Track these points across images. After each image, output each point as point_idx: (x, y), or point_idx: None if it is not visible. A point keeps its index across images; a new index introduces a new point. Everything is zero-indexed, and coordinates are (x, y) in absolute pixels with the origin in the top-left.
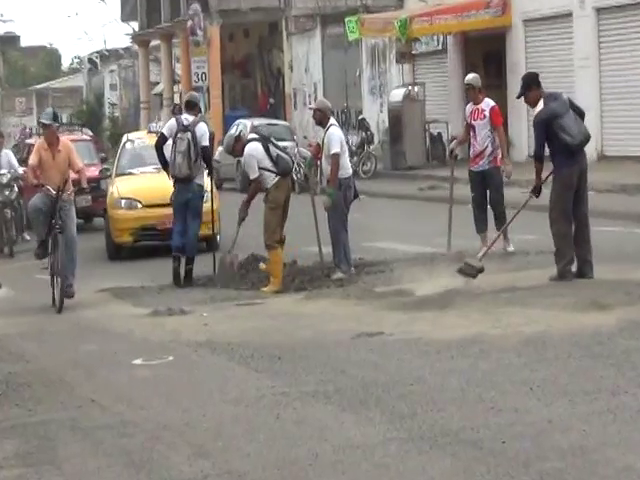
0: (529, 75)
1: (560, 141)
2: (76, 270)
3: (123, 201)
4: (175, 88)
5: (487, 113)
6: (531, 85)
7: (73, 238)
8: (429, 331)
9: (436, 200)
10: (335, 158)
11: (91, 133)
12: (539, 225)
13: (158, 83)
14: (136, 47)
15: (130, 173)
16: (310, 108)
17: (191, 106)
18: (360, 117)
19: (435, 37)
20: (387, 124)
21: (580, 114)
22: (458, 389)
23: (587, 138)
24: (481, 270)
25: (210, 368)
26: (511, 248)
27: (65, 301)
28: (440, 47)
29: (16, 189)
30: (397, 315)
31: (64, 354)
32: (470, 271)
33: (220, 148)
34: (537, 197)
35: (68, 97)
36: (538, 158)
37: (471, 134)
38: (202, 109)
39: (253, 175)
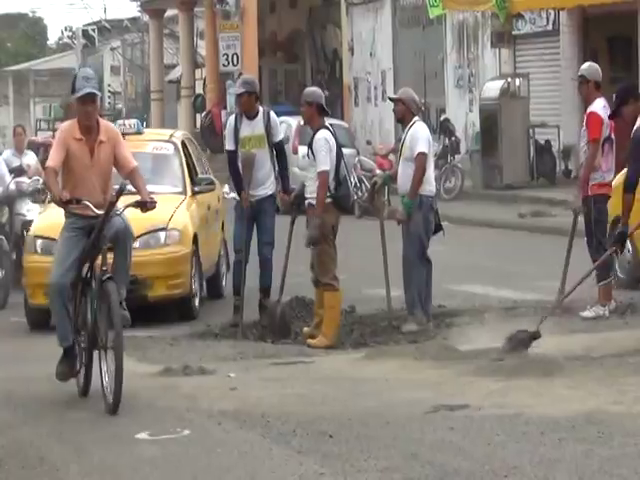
0: (625, 87)
1: None
2: None
3: (39, 242)
4: (197, 73)
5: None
6: (629, 98)
7: (128, 229)
8: (530, 405)
9: (542, 230)
10: (421, 160)
11: None
12: None
13: (175, 66)
14: (146, 18)
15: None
16: (391, 99)
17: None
18: (442, 117)
19: (544, 14)
20: (478, 128)
21: None
22: None
23: None
24: (535, 336)
25: (238, 447)
26: (585, 313)
27: (44, 352)
28: (550, 27)
29: (6, 211)
30: (487, 383)
31: (46, 423)
32: (519, 343)
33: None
34: (621, 252)
35: (55, 82)
36: (628, 187)
37: None
38: (233, 102)
39: (324, 165)
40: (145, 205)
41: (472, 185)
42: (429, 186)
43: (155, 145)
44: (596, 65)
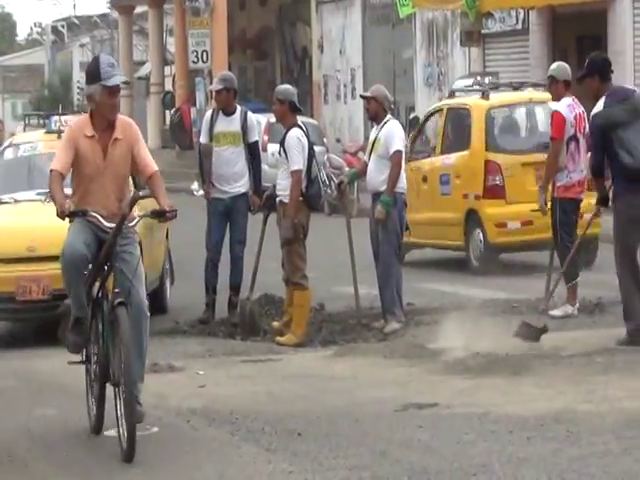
0: (597, 59)
1: (618, 160)
2: None
3: None
4: (166, 70)
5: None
6: (594, 73)
7: (142, 308)
8: (499, 404)
9: None
10: (398, 157)
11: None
12: None
13: (144, 63)
14: (116, 14)
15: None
16: (363, 97)
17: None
18: (412, 115)
19: (514, 13)
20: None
21: None
22: None
23: None
24: (544, 330)
25: (207, 445)
26: (554, 312)
27: (17, 352)
28: (520, 26)
29: None
30: (456, 381)
31: (13, 421)
32: (530, 334)
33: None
34: (606, 207)
35: (24, 78)
36: (595, 173)
37: None
38: (202, 99)
39: (298, 164)
40: (164, 215)
41: None
42: (401, 183)
43: None
44: (565, 64)
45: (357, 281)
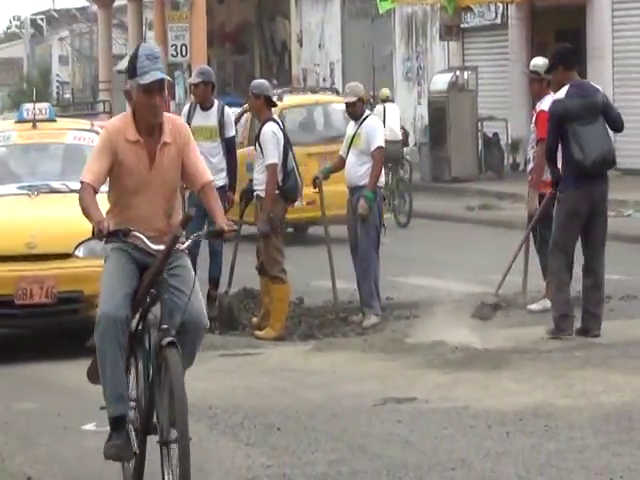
0: (560, 50)
1: (569, 151)
2: None
3: None
4: None
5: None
6: (559, 64)
7: (202, 320)
8: (477, 398)
9: (490, 223)
10: (380, 153)
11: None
12: (628, 261)
13: (124, 56)
14: (95, 8)
15: None
16: (348, 103)
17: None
18: None
19: (493, 7)
20: (427, 120)
21: (613, 125)
22: (514, 477)
23: (607, 161)
24: (498, 306)
25: None
26: (532, 306)
27: None
28: (499, 20)
29: None
30: (435, 375)
31: None
32: (485, 312)
33: None
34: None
35: (3, 72)
36: (549, 157)
37: None
38: (181, 93)
39: (272, 158)
40: (222, 235)
41: (420, 178)
42: (381, 178)
43: (76, 135)
44: (545, 60)
45: (335, 275)
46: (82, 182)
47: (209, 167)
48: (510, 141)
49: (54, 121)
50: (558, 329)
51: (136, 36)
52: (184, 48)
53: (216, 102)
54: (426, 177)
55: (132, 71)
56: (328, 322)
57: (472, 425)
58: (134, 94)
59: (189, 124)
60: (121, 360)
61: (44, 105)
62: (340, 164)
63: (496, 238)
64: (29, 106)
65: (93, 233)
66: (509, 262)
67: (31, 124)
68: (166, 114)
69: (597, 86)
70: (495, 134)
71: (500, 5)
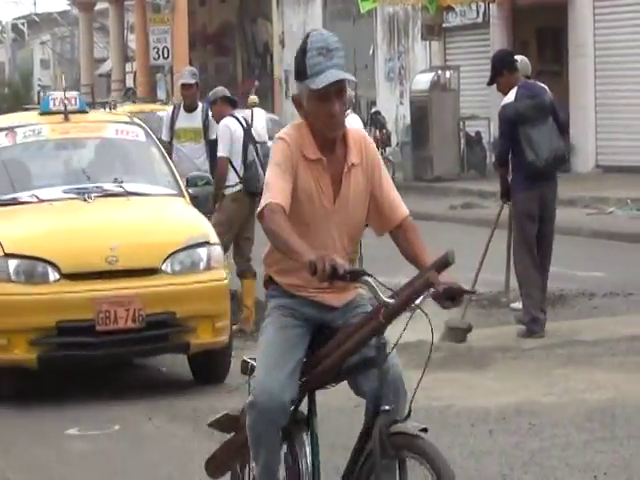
0: (499, 56)
1: (521, 154)
2: None
3: (14, 263)
4: (127, 67)
5: None
6: (502, 70)
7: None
8: (461, 397)
9: (472, 222)
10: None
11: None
12: (610, 258)
13: (105, 60)
14: (76, 11)
15: (15, 201)
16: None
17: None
18: (373, 110)
19: (474, 6)
20: (409, 120)
21: (560, 125)
22: (498, 476)
23: (558, 159)
24: (469, 329)
25: (169, 442)
26: (515, 304)
27: None
28: (481, 19)
29: None
30: (417, 375)
31: None
32: (456, 336)
33: None
34: (508, 201)
35: None
36: (501, 162)
37: None
38: (164, 96)
39: (220, 152)
40: (461, 296)
41: (403, 177)
42: None
43: (118, 128)
44: (526, 59)
45: None
46: (268, 204)
47: (193, 168)
48: (492, 140)
49: (86, 112)
50: (529, 332)
51: (117, 39)
52: (166, 50)
53: (200, 104)
54: (408, 176)
55: (300, 72)
56: None
57: (455, 424)
58: (304, 101)
59: (173, 126)
60: (278, 447)
61: (74, 94)
62: None
63: (478, 237)
64: (57, 94)
65: (314, 272)
66: (480, 258)
67: (62, 116)
68: (350, 128)
69: (544, 86)
70: (477, 133)
71: (482, 4)
